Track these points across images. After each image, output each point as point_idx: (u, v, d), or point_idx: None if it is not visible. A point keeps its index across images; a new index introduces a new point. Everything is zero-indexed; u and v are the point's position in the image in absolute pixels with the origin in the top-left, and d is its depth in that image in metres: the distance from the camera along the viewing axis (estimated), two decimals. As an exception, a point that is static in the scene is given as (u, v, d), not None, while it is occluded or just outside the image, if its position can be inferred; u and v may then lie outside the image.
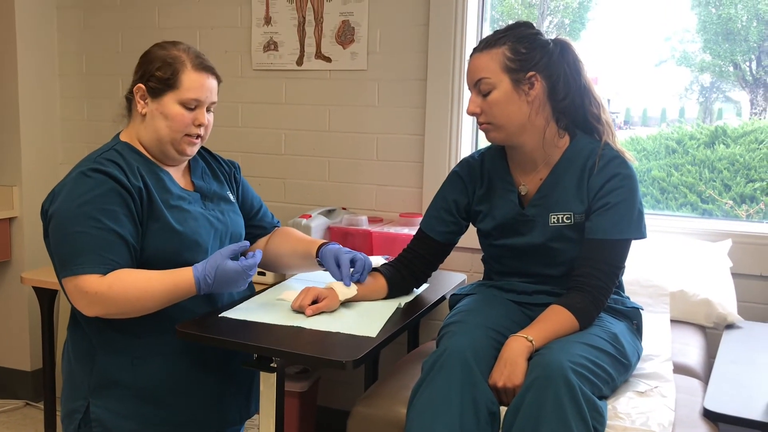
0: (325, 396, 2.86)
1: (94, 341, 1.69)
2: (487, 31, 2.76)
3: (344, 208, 2.81)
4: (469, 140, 2.75)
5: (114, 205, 1.60)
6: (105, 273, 1.57)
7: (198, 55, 1.74)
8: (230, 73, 2.97)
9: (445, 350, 1.52)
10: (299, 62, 2.87)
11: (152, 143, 1.73)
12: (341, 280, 1.79)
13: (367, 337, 1.57)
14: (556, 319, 1.61)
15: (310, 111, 2.89)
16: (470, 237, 1.97)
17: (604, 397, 1.55)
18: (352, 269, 1.82)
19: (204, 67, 1.73)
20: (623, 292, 1.85)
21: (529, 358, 1.54)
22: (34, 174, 3.21)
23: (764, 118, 3.30)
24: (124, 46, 3.17)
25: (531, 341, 1.55)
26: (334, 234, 2.59)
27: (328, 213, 2.69)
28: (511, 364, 1.52)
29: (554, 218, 1.73)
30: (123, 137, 1.76)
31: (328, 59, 2.83)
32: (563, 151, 1.76)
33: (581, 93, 1.74)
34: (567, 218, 1.72)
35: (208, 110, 1.75)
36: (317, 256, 1.87)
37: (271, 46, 2.92)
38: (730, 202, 3.16)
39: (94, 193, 1.59)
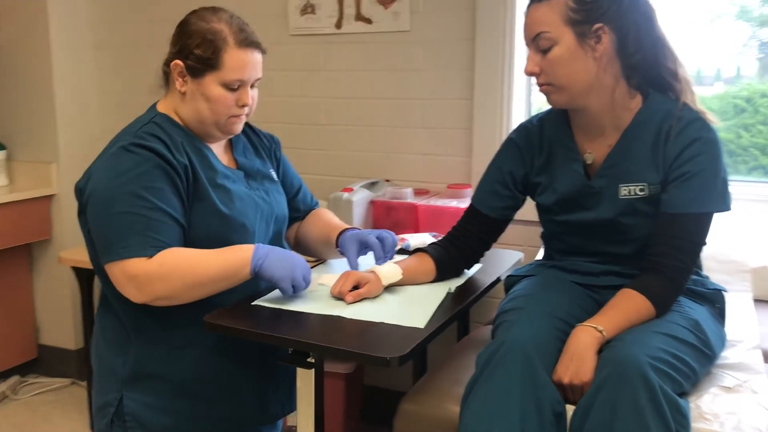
0: (372, 375, 2.73)
1: (129, 330, 1.57)
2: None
3: (388, 180, 2.65)
4: (523, 104, 2.56)
5: (160, 182, 1.48)
6: (152, 255, 1.44)
7: (241, 27, 1.56)
8: (266, 39, 2.76)
9: (503, 343, 1.35)
10: (338, 25, 2.70)
11: (193, 122, 1.59)
12: (355, 268, 1.65)
13: (415, 328, 1.41)
14: (628, 305, 1.43)
15: (350, 77, 2.72)
16: (525, 208, 1.78)
17: (685, 394, 1.37)
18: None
19: (248, 42, 1.55)
20: (702, 271, 1.65)
21: (600, 351, 1.36)
22: (72, 150, 3.13)
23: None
24: (159, 14, 3.03)
25: (601, 331, 1.37)
26: (377, 208, 2.43)
27: (371, 186, 2.53)
28: (579, 358, 1.34)
29: (625, 190, 1.54)
30: (161, 108, 1.63)
31: (368, 21, 2.65)
32: (635, 113, 1.55)
33: (655, 46, 1.52)
34: (640, 190, 1.53)
35: (252, 86, 1.60)
36: (337, 246, 1.73)
37: (308, 9, 2.74)
38: (809, 164, 2.89)
39: (138, 169, 1.47)
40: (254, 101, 1.61)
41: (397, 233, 2.36)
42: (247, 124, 1.77)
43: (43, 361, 3.24)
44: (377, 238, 1.67)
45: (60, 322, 3.20)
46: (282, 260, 1.49)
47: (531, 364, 1.33)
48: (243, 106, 1.57)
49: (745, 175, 2.95)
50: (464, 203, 2.36)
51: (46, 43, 3.00)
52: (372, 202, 2.45)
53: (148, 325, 1.56)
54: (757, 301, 1.94)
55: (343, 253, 1.71)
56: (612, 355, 1.31)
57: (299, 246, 1.87)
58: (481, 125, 2.52)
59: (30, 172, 3.10)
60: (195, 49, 1.52)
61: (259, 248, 1.50)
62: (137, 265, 1.43)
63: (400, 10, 2.58)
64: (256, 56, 1.58)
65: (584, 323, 1.40)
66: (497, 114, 2.50)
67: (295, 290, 1.51)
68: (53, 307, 3.20)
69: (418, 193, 2.53)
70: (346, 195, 2.37)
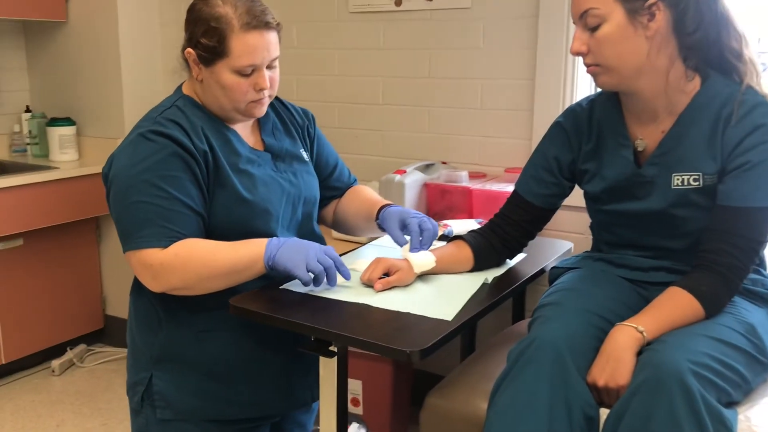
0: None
1: (159, 311, 1.58)
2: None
3: (444, 162, 2.58)
4: (587, 85, 2.43)
5: (177, 170, 1.45)
6: (166, 246, 1.44)
7: (249, 8, 1.47)
8: (326, 17, 2.79)
9: (534, 340, 1.28)
10: (398, 2, 2.63)
11: (214, 108, 1.57)
12: (402, 245, 1.59)
13: (442, 320, 1.36)
14: (674, 304, 1.33)
15: (409, 56, 2.66)
16: (580, 193, 1.68)
17: (733, 404, 1.26)
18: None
19: (255, 24, 1.46)
20: (765, 269, 1.52)
21: (640, 353, 1.27)
22: (138, 126, 3.18)
23: None
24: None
25: (641, 332, 1.28)
26: (430, 191, 2.37)
27: (426, 168, 2.47)
28: (615, 359, 1.26)
29: (678, 179, 1.43)
30: (186, 90, 1.60)
31: (428, -3, 2.57)
32: (692, 96, 1.43)
33: (717, 24, 1.39)
34: (694, 180, 1.41)
35: (270, 67, 1.53)
36: (377, 219, 1.66)
37: (368, -15, 2.69)
38: None
39: (155, 158, 1.45)
40: (274, 82, 1.55)
41: (450, 218, 2.31)
42: (278, 99, 1.73)
43: (109, 331, 3.35)
44: (419, 225, 1.60)
45: (126, 294, 3.25)
46: (294, 249, 1.45)
47: (562, 363, 1.25)
48: (261, 90, 1.52)
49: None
50: (522, 188, 2.26)
51: (113, 20, 3.05)
52: (425, 185, 2.39)
53: (177, 308, 1.56)
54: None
55: (382, 228, 1.67)
56: (651, 359, 1.22)
57: (338, 225, 1.83)
58: (542, 107, 2.41)
59: (98, 147, 3.18)
60: (201, 38, 1.47)
61: (272, 241, 1.46)
62: (152, 255, 1.43)
63: (461, -14, 2.49)
64: (267, 37, 1.49)
65: (624, 322, 1.31)
66: (560, 95, 2.38)
67: (316, 279, 1.46)
68: (119, 279, 3.29)
69: (474, 176, 2.45)
70: (398, 177, 2.32)
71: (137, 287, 1.63)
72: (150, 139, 1.46)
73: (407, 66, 2.66)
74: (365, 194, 1.80)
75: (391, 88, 2.72)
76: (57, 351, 3.14)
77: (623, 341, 1.27)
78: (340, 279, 1.52)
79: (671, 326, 1.30)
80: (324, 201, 1.79)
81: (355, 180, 1.88)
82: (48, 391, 2.91)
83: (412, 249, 1.58)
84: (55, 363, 3.05)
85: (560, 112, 2.35)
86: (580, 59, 2.31)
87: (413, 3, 2.61)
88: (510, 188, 2.25)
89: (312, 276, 1.45)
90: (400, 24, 2.66)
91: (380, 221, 1.67)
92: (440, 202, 2.37)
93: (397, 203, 2.26)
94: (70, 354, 3.13)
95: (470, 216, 2.29)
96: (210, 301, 1.52)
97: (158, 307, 1.58)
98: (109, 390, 2.92)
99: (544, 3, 2.35)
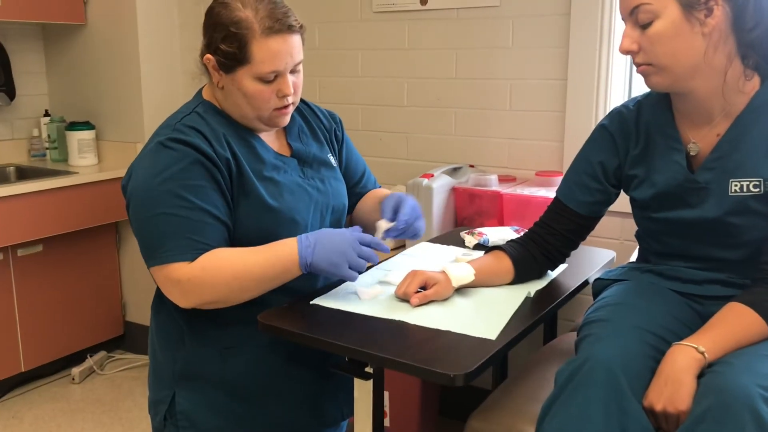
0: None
1: (183, 326, 1.51)
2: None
3: (472, 166, 2.50)
4: (622, 85, 2.36)
5: (200, 179, 1.38)
6: (193, 259, 1.36)
7: (270, 11, 1.38)
8: (349, 17, 2.72)
9: (586, 361, 1.19)
10: (423, 1, 2.56)
11: (236, 116, 1.49)
12: (390, 219, 1.52)
13: (485, 339, 1.27)
14: (737, 322, 1.23)
15: (435, 56, 2.58)
16: (622, 199, 1.59)
17: (804, 431, 1.17)
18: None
19: (278, 28, 1.38)
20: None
21: (700, 375, 1.18)
22: (157, 130, 3.13)
23: None
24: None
25: (702, 353, 1.18)
26: (458, 195, 2.29)
27: (453, 171, 2.39)
28: (675, 382, 1.16)
29: (736, 186, 1.33)
30: (206, 95, 1.53)
31: (455, -5, 2.49)
32: (751, 97, 1.34)
33: (779, 20, 1.30)
34: (754, 186, 1.32)
35: (293, 71, 1.45)
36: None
37: (392, -17, 2.61)
38: None
39: (176, 167, 1.38)
40: (298, 87, 1.47)
41: (480, 224, 2.23)
42: (304, 102, 1.65)
43: (129, 338, 3.30)
44: (403, 209, 1.52)
45: (146, 300, 3.19)
46: (331, 249, 1.37)
47: (617, 385, 1.16)
48: (284, 96, 1.44)
49: None
50: (553, 192, 2.18)
51: (132, 23, 3.00)
52: (454, 189, 2.32)
53: (201, 324, 1.49)
54: None
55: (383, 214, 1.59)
56: (716, 382, 1.13)
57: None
58: (575, 108, 2.34)
59: (117, 152, 3.13)
60: (221, 44, 1.39)
61: (302, 242, 1.38)
62: (180, 270, 1.36)
63: (489, -17, 2.41)
64: (290, 41, 1.40)
65: (683, 342, 1.22)
66: (593, 96, 2.31)
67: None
68: (139, 285, 3.24)
69: (504, 180, 2.37)
70: (426, 181, 2.24)
71: (158, 301, 1.56)
72: (170, 147, 1.39)
73: (433, 66, 2.60)
74: (380, 192, 1.73)
75: (416, 90, 2.65)
76: (77, 358, 3.09)
77: (683, 362, 1.18)
78: (373, 292, 1.47)
79: (734, 346, 1.21)
80: (350, 208, 1.71)
81: (380, 187, 1.81)
82: (68, 399, 2.87)
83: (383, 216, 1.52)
84: (75, 370, 3.00)
85: (593, 113, 2.30)
86: (616, 60, 2.26)
87: (439, 1, 2.54)
88: (541, 192, 2.19)
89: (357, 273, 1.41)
90: (426, 23, 2.59)
91: (383, 203, 1.58)
92: (469, 206, 2.30)
93: (425, 208, 2.19)
94: (90, 361, 3.08)
95: (501, 222, 2.21)
96: (235, 316, 1.45)
97: (181, 322, 1.51)
98: (129, 398, 2.87)
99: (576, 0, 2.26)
